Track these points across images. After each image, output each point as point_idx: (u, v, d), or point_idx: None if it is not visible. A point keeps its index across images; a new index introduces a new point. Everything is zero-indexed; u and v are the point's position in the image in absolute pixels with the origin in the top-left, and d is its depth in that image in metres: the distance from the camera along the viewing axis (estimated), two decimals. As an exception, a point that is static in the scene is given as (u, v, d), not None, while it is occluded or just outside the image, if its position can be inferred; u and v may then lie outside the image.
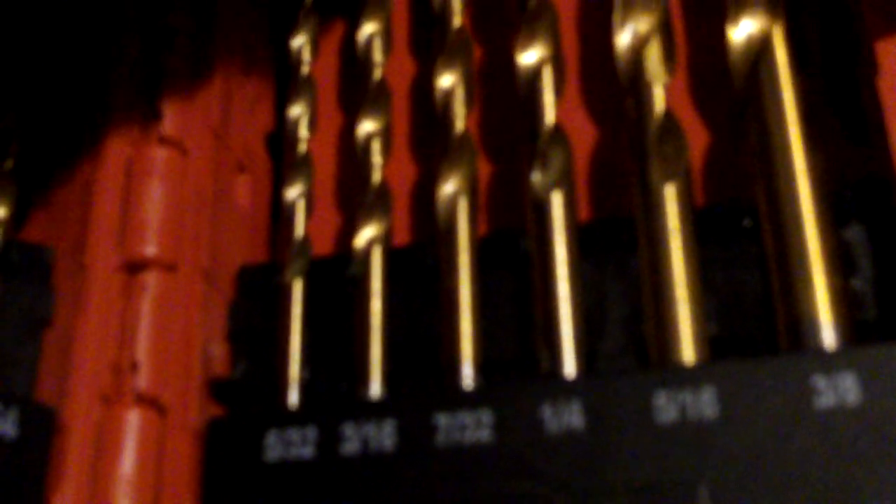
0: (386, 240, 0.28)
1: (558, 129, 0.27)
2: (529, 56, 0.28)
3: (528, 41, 0.29)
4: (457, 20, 0.30)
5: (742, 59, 0.26)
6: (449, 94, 0.29)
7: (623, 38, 0.27)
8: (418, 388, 0.27)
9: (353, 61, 0.32)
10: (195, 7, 0.30)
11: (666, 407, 0.23)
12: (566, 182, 0.27)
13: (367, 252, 0.28)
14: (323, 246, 0.30)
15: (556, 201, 0.26)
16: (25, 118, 0.29)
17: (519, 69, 0.28)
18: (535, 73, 0.28)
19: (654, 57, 0.27)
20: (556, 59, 0.28)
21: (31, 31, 0.30)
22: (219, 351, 0.28)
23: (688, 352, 0.24)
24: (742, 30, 0.26)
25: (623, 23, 0.28)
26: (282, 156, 0.32)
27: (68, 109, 0.30)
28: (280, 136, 0.32)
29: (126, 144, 0.28)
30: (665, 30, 0.28)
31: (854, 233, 0.25)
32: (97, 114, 0.29)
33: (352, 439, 0.24)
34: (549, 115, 0.28)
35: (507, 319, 0.27)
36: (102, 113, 0.29)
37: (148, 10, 0.30)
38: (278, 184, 0.32)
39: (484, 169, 0.29)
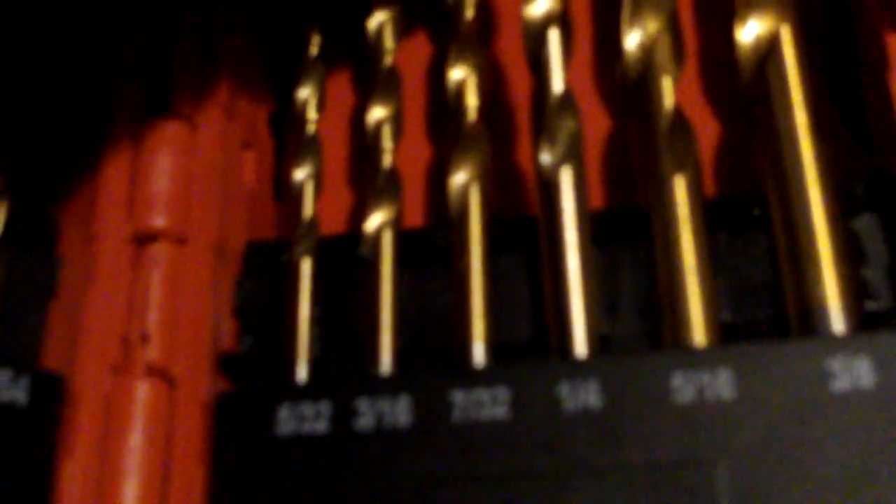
0: (396, 223, 0.28)
1: (567, 95, 0.28)
2: (539, 6, 0.29)
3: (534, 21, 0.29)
4: (469, 12, 0.31)
5: (750, 57, 0.27)
6: (461, 86, 0.29)
7: (631, 39, 0.28)
8: (431, 367, 0.26)
9: (364, 46, 0.32)
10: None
11: (683, 387, 0.23)
12: (576, 157, 0.27)
13: (377, 235, 0.28)
14: (331, 226, 0.30)
15: (566, 179, 0.27)
16: (34, 89, 0.29)
17: (526, 25, 0.28)
18: (542, 29, 0.28)
19: (663, 53, 0.28)
20: (564, 21, 0.29)
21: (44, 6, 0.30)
22: (226, 326, 0.27)
23: (700, 337, 0.24)
24: (750, 30, 0.27)
25: (632, 22, 0.28)
26: (283, 136, 0.32)
27: (78, 80, 0.30)
28: (282, 117, 0.32)
29: (135, 117, 0.28)
30: (674, 26, 0.28)
31: (864, 223, 0.25)
32: (107, 86, 0.29)
33: (366, 414, 0.24)
34: (557, 82, 0.28)
35: (519, 302, 0.27)
36: (112, 86, 0.29)
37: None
38: (280, 163, 0.32)
39: (496, 153, 0.29)
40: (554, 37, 0.28)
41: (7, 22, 0.28)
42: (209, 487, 0.25)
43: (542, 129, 0.27)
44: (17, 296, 0.26)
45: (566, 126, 0.27)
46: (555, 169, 0.27)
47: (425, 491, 0.24)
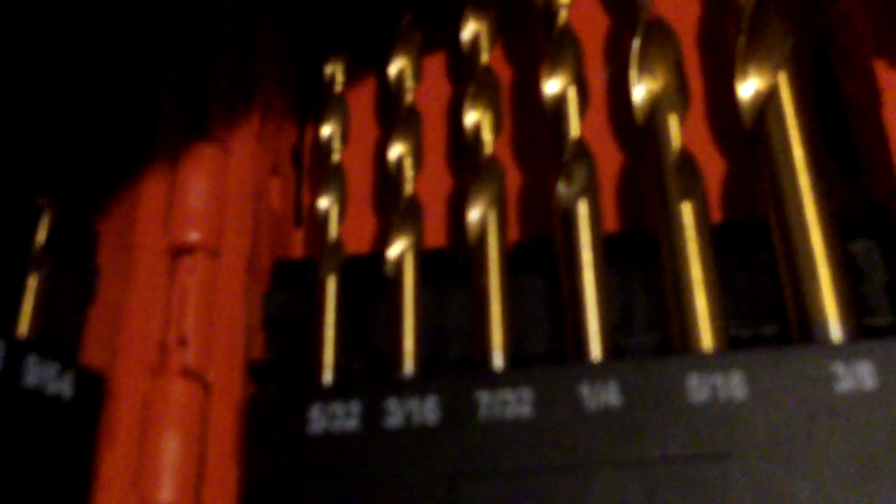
0: (417, 247, 0.30)
1: (582, 143, 0.30)
2: (553, 85, 0.31)
3: (553, 70, 0.31)
4: (484, 57, 0.33)
5: (750, 106, 0.29)
6: (477, 124, 0.31)
7: (640, 86, 0.30)
8: (457, 372, 0.28)
9: (385, 87, 0.34)
10: (238, 18, 0.32)
11: (698, 388, 0.25)
12: (591, 192, 0.29)
13: (400, 259, 0.29)
14: (354, 249, 0.31)
15: (582, 209, 0.28)
16: (81, 110, 0.30)
17: (545, 96, 0.31)
18: (560, 98, 0.30)
19: (669, 96, 0.30)
20: (580, 84, 0.31)
21: (93, 28, 0.31)
22: (255, 337, 0.29)
23: (709, 346, 0.26)
24: (749, 85, 0.29)
25: (641, 69, 0.30)
26: (303, 166, 0.34)
27: (122, 103, 0.31)
28: (301, 150, 0.34)
29: (173, 139, 0.30)
30: (679, 72, 0.30)
31: (860, 247, 0.27)
32: (149, 110, 0.30)
33: (395, 413, 0.26)
34: (574, 132, 0.30)
35: (536, 318, 0.28)
36: (153, 109, 0.30)
37: (196, 19, 0.32)
38: (300, 192, 0.33)
39: (513, 180, 0.31)
40: (571, 99, 0.30)
41: (57, 45, 0.30)
42: (242, 485, 0.26)
43: (560, 169, 0.29)
44: (59, 300, 0.28)
45: (581, 168, 0.29)
46: (572, 202, 0.29)
47: (452, 485, 0.25)
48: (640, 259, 0.28)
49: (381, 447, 0.25)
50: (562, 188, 0.29)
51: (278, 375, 0.29)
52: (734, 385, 0.25)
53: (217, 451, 0.26)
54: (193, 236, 0.28)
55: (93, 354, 0.27)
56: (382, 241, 0.30)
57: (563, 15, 0.31)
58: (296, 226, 0.33)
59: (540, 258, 0.29)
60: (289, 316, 0.29)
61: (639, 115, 0.30)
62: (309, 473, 0.25)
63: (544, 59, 0.31)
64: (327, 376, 0.28)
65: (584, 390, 0.25)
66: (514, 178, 0.32)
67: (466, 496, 0.25)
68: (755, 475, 0.24)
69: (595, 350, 0.27)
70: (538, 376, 0.26)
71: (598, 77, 0.33)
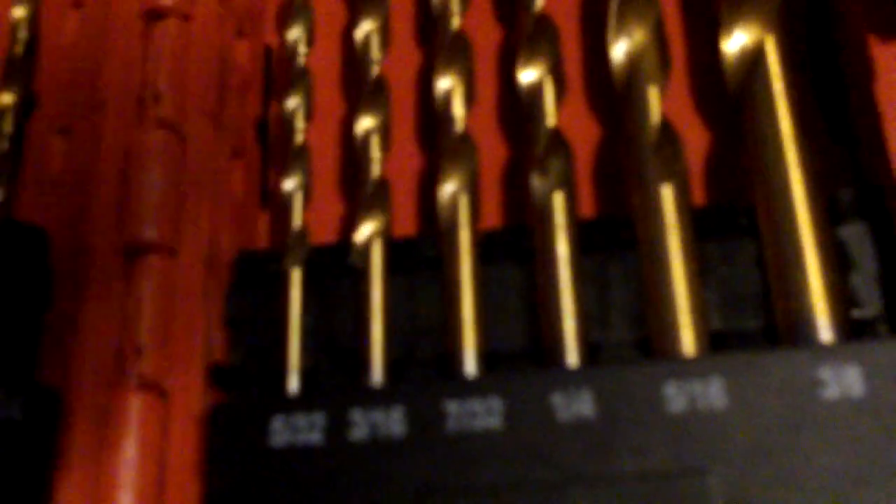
0: (386, 233, 0.28)
1: (558, 135, 0.28)
2: (529, 74, 0.29)
3: (529, 59, 0.29)
4: (455, 21, 0.31)
5: (736, 67, 0.27)
6: (448, 95, 0.30)
7: (618, 48, 0.28)
8: (424, 377, 0.27)
9: (352, 56, 0.32)
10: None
11: (676, 397, 0.23)
12: (566, 185, 0.27)
13: (367, 245, 0.28)
14: (320, 235, 0.30)
15: (558, 202, 0.27)
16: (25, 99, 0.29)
17: (520, 85, 0.29)
18: (536, 88, 0.29)
19: (649, 64, 0.28)
20: (556, 73, 0.29)
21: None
22: (217, 337, 0.27)
23: (689, 344, 0.25)
24: (736, 41, 0.27)
25: (618, 32, 0.28)
26: (268, 143, 0.32)
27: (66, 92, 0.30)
28: (267, 125, 0.33)
29: (124, 126, 0.28)
30: (659, 37, 0.28)
31: (851, 231, 0.26)
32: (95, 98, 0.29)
33: (360, 425, 0.25)
34: (550, 122, 0.28)
35: (511, 312, 0.27)
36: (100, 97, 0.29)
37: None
38: (266, 170, 0.32)
39: (486, 162, 0.29)
40: (548, 89, 0.29)
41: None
42: (203, 499, 0.25)
43: (535, 161, 0.28)
44: (13, 309, 0.26)
45: (557, 161, 0.28)
46: (547, 195, 0.27)
47: (419, 501, 0.24)
48: (618, 247, 0.27)
49: (345, 461, 0.24)
50: (536, 181, 0.27)
51: (242, 379, 0.27)
52: (714, 393, 0.23)
53: (177, 462, 0.25)
54: (149, 234, 0.27)
55: (50, 364, 0.26)
56: (350, 226, 0.28)
57: (538, 2, 0.30)
58: (262, 209, 0.32)
59: (514, 247, 0.28)
60: (252, 314, 0.28)
61: (617, 81, 0.28)
62: (272, 488, 0.25)
63: (519, 47, 0.29)
64: (293, 381, 0.27)
65: (557, 399, 0.24)
66: (487, 157, 0.30)
67: (434, 514, 0.24)
68: (736, 489, 0.22)
69: (570, 354, 0.25)
70: (508, 384, 0.24)
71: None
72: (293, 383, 0.27)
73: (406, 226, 0.30)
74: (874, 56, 0.26)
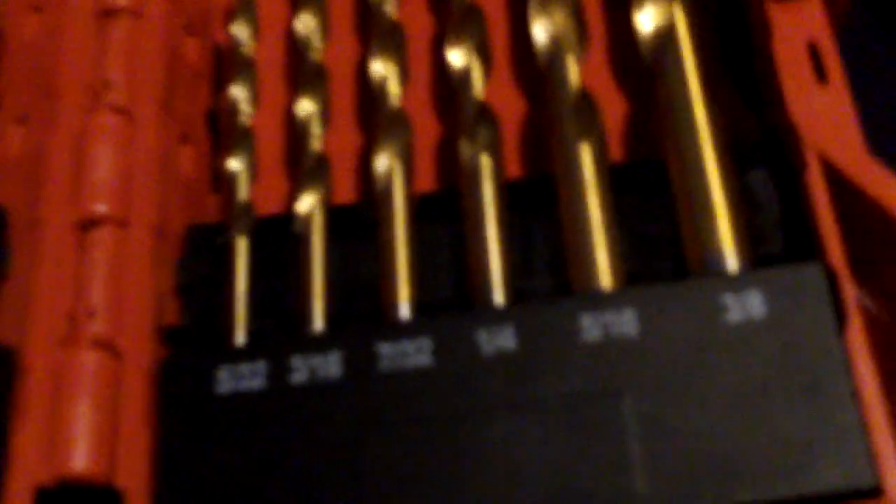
0: (326, 203, 0.30)
1: (485, 106, 0.30)
2: (457, 56, 0.31)
3: (457, 41, 0.31)
4: (390, 8, 0.33)
5: (648, 39, 0.29)
6: (384, 77, 0.32)
7: (539, 27, 0.30)
8: (360, 325, 0.28)
9: (293, 46, 0.34)
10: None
11: (591, 327, 0.25)
12: (493, 149, 0.29)
13: (308, 214, 0.30)
14: (266, 209, 0.32)
15: (485, 164, 0.29)
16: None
17: (450, 65, 0.31)
18: (465, 67, 0.31)
19: (568, 39, 0.30)
20: (483, 52, 0.31)
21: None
22: (169, 303, 0.29)
23: (607, 284, 0.26)
24: (646, 15, 0.29)
25: (539, 12, 0.30)
26: (219, 132, 0.34)
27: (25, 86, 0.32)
28: (217, 114, 0.34)
29: (78, 111, 0.30)
30: (577, 14, 0.30)
31: (755, 177, 0.28)
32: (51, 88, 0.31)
33: (300, 370, 0.26)
34: (478, 96, 0.30)
35: (442, 268, 0.29)
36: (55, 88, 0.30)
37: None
38: (216, 157, 0.34)
39: (419, 135, 0.31)
40: (475, 66, 0.31)
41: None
42: (155, 447, 0.26)
43: (464, 129, 0.29)
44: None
45: (484, 129, 0.29)
46: (475, 158, 0.29)
47: (357, 437, 0.25)
48: (542, 205, 0.29)
49: (287, 404, 0.26)
50: (465, 146, 0.29)
51: (192, 340, 0.29)
52: (626, 322, 0.25)
53: (130, 417, 0.26)
54: (101, 208, 0.29)
55: (5, 331, 0.28)
56: (294, 200, 0.30)
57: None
58: (213, 192, 0.33)
59: (445, 209, 0.29)
60: (201, 281, 0.30)
61: (540, 57, 0.30)
62: (219, 433, 0.26)
63: (448, 30, 0.31)
64: (239, 338, 0.28)
65: (482, 336, 0.26)
66: (422, 131, 0.32)
67: (370, 447, 0.25)
68: (648, 409, 0.24)
69: (497, 296, 0.27)
70: (437, 325, 0.26)
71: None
72: (240, 339, 0.28)
73: (347, 196, 0.32)
74: (770, 15, 0.28)
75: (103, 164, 0.29)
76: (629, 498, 0.23)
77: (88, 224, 0.28)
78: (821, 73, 0.27)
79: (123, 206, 0.29)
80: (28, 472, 0.25)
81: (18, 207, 0.29)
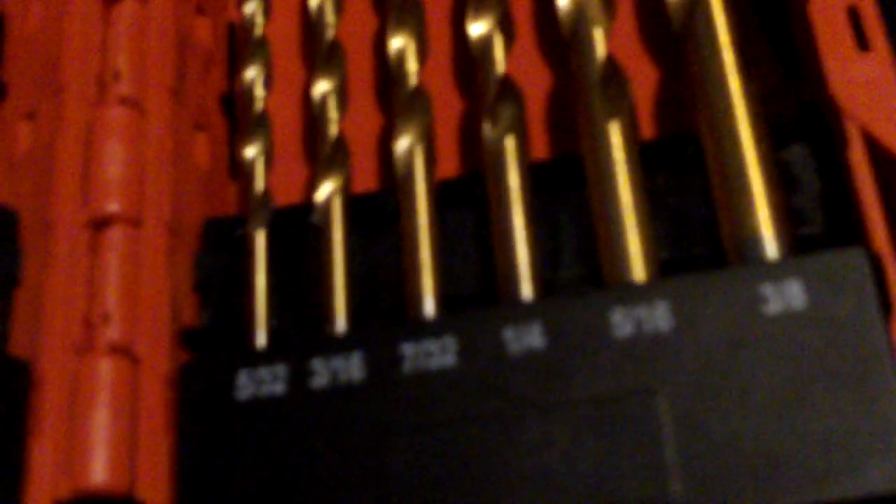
0: (345, 190, 0.29)
1: (508, 81, 0.28)
2: (478, 27, 0.30)
3: (478, 12, 0.30)
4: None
5: (678, 6, 0.28)
6: (402, 53, 0.30)
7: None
8: (383, 323, 0.27)
9: (307, 23, 0.33)
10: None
11: (622, 322, 0.24)
12: (517, 129, 0.28)
13: (327, 203, 0.29)
14: (284, 198, 0.31)
15: (509, 146, 0.27)
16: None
17: (471, 38, 0.30)
18: (486, 39, 0.29)
19: (593, 7, 0.29)
20: (505, 23, 0.29)
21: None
22: (186, 301, 0.28)
23: (639, 273, 0.25)
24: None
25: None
26: (236, 116, 0.33)
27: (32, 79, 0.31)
28: (232, 98, 0.33)
29: (85, 106, 0.29)
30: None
31: (794, 153, 0.26)
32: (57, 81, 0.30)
33: (321, 373, 0.25)
34: (500, 70, 0.29)
35: (468, 257, 0.28)
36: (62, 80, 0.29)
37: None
38: (233, 143, 0.33)
39: (441, 114, 0.30)
40: (497, 41, 0.29)
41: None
42: (175, 456, 0.26)
43: (486, 109, 0.28)
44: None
45: (508, 108, 0.28)
46: (499, 142, 0.28)
47: (380, 441, 0.24)
48: (569, 187, 0.27)
49: (308, 409, 0.25)
50: (488, 128, 0.28)
51: (211, 341, 0.28)
52: (659, 316, 0.24)
53: (148, 424, 0.26)
54: (113, 207, 0.28)
55: (19, 338, 0.27)
56: (312, 188, 0.29)
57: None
58: (231, 179, 0.32)
59: (469, 194, 0.28)
60: (219, 277, 0.29)
61: (564, 27, 0.29)
62: (240, 440, 0.25)
63: (468, 1, 0.30)
64: (260, 338, 0.28)
65: (508, 334, 0.24)
66: (441, 111, 0.30)
67: (394, 452, 0.24)
68: (683, 408, 0.23)
69: (525, 289, 0.26)
70: (461, 323, 0.25)
71: None
72: (261, 339, 0.27)
73: (367, 181, 0.31)
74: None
75: (113, 160, 0.28)
76: (665, 502, 0.22)
77: (100, 224, 0.28)
78: (862, 41, 0.25)
79: (135, 204, 0.28)
80: (46, 486, 0.25)
81: (28, 208, 0.29)
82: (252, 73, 0.31)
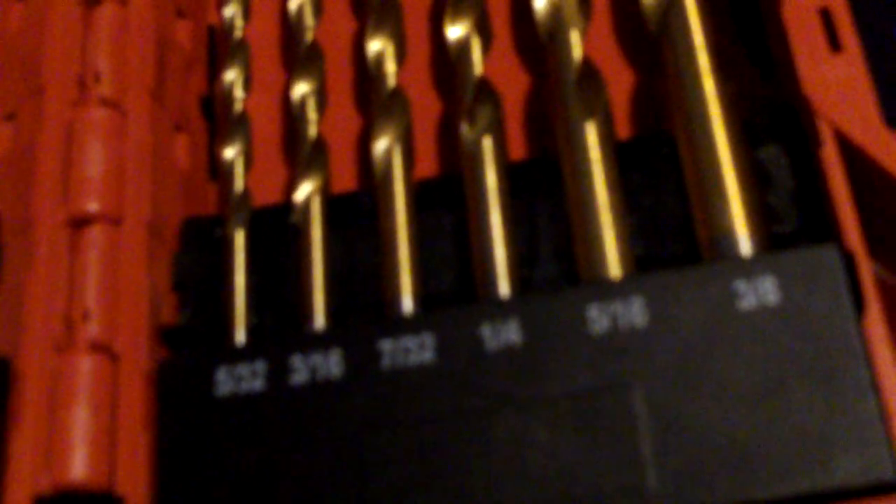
0: (324, 191, 0.29)
1: (486, 83, 0.29)
2: (456, 30, 0.30)
3: (456, 15, 0.30)
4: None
5: (654, 8, 0.28)
6: (380, 56, 0.31)
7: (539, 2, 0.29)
8: (362, 320, 0.27)
9: (286, 25, 0.33)
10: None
11: (598, 318, 0.24)
12: (494, 130, 0.28)
13: (306, 203, 0.29)
14: (264, 199, 0.31)
15: (486, 147, 0.28)
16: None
17: (449, 41, 0.30)
18: (463, 42, 0.30)
19: (570, 10, 0.29)
20: (482, 26, 0.30)
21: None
22: (166, 300, 0.28)
23: (615, 271, 0.25)
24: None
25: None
26: (216, 117, 0.33)
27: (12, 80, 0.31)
28: (212, 100, 0.33)
29: (66, 106, 0.29)
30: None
31: (768, 153, 0.26)
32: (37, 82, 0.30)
33: (300, 370, 0.25)
34: (477, 72, 0.29)
35: (446, 256, 0.28)
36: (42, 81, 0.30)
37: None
38: (213, 145, 0.33)
39: (419, 115, 0.30)
40: (475, 41, 0.30)
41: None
42: (155, 452, 0.26)
43: (464, 110, 0.28)
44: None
45: (485, 108, 0.28)
46: (476, 142, 0.28)
47: (359, 437, 0.24)
48: (546, 187, 0.28)
49: (287, 405, 0.25)
50: (465, 129, 0.28)
51: (191, 339, 0.28)
52: (634, 312, 0.24)
53: (128, 421, 0.26)
54: (93, 206, 0.28)
55: (0, 336, 0.27)
56: (292, 188, 0.29)
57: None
58: (211, 179, 0.33)
59: (447, 194, 0.28)
60: (199, 276, 0.29)
61: (541, 29, 0.29)
62: (219, 436, 0.25)
63: (447, 4, 0.30)
64: (239, 335, 0.28)
65: (485, 331, 0.25)
66: (420, 112, 0.31)
67: (373, 448, 0.24)
68: (658, 403, 0.23)
69: (503, 287, 0.26)
70: (439, 320, 0.25)
71: None
72: (240, 337, 0.28)
73: (346, 182, 0.31)
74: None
75: (93, 160, 0.28)
76: (641, 495, 0.23)
77: (80, 223, 0.28)
78: (834, 41, 0.26)
79: (115, 204, 0.28)
80: (26, 481, 0.25)
81: (9, 207, 0.29)
82: (232, 75, 0.32)
